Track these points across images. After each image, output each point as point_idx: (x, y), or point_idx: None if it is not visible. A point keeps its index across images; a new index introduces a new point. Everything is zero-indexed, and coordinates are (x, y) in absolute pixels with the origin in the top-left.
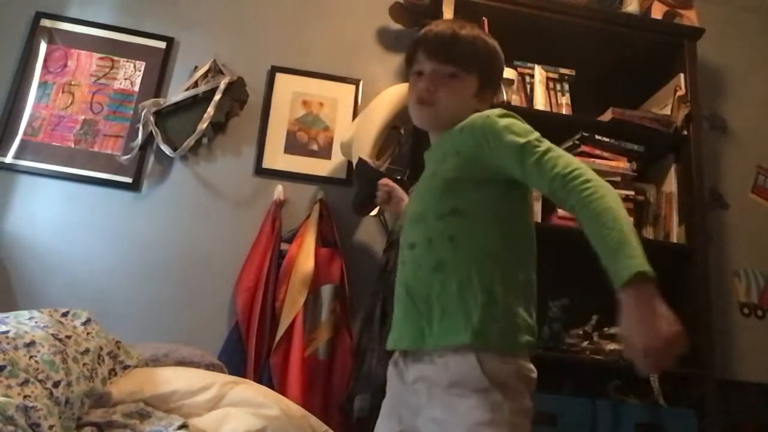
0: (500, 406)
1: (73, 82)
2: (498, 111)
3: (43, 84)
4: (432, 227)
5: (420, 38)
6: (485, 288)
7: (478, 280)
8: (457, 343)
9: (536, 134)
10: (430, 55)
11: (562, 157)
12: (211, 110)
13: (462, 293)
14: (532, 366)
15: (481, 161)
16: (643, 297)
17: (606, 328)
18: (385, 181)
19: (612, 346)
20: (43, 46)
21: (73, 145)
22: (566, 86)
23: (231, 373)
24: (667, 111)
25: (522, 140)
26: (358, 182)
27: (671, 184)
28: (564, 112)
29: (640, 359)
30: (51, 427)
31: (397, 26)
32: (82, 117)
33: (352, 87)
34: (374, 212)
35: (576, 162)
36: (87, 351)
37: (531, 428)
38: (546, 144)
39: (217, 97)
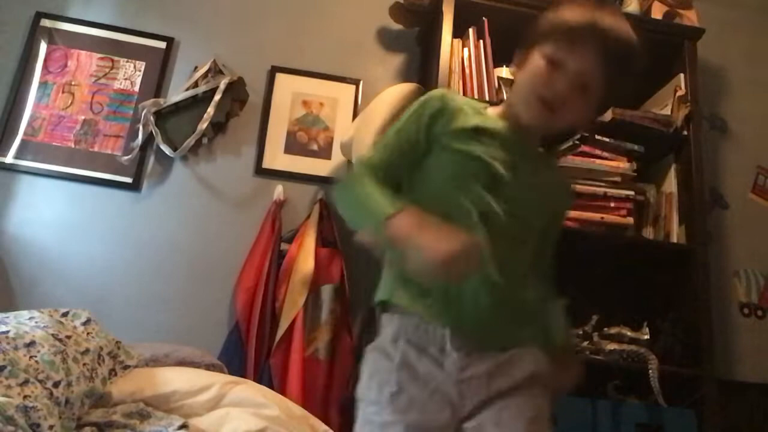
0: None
1: (73, 82)
2: None
3: (43, 84)
4: (533, 241)
5: (591, 32)
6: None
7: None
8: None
9: None
10: (595, 56)
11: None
12: (211, 110)
13: (534, 307)
14: None
15: (555, 208)
16: (408, 222)
17: (606, 328)
18: None
19: (612, 346)
20: (43, 46)
21: (73, 145)
22: None
23: (231, 373)
24: (667, 111)
25: None
26: None
27: (671, 184)
28: None
29: (430, 270)
30: (51, 427)
31: (397, 26)
32: (82, 117)
33: (352, 87)
34: None
35: None
36: (87, 351)
37: None
38: None
39: (217, 97)
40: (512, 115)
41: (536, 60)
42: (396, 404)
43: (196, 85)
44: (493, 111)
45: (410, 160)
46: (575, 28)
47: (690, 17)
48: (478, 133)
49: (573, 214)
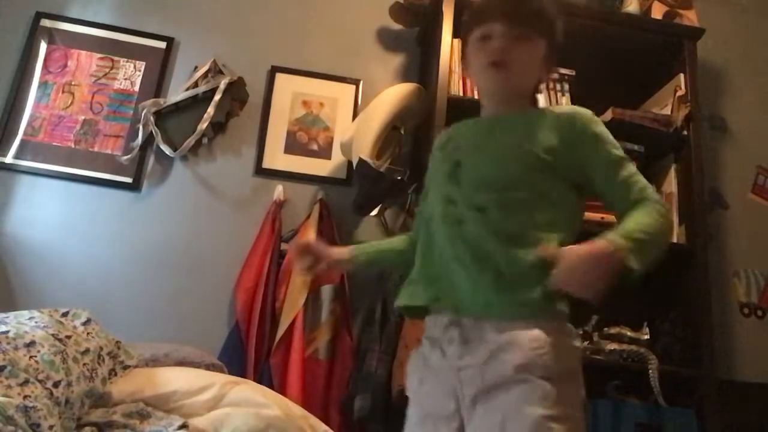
0: (573, 398)
1: (73, 82)
2: (592, 113)
3: (43, 84)
4: (521, 203)
5: (486, 1)
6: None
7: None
8: (526, 315)
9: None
10: (500, 15)
11: (648, 185)
12: (211, 110)
13: (532, 268)
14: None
15: (573, 154)
16: (609, 258)
17: (606, 328)
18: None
19: (612, 346)
20: (43, 46)
21: (73, 145)
22: (566, 86)
23: (231, 373)
24: (667, 111)
25: (620, 153)
26: (358, 182)
27: (671, 184)
28: None
29: (562, 276)
30: (51, 427)
31: (397, 26)
32: (82, 117)
33: (352, 87)
34: (374, 212)
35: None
36: (87, 351)
37: None
38: (633, 166)
39: (217, 97)
40: (484, 103)
41: (472, 48)
42: (417, 396)
43: (196, 85)
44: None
45: None
46: (478, 7)
47: (690, 17)
48: (450, 141)
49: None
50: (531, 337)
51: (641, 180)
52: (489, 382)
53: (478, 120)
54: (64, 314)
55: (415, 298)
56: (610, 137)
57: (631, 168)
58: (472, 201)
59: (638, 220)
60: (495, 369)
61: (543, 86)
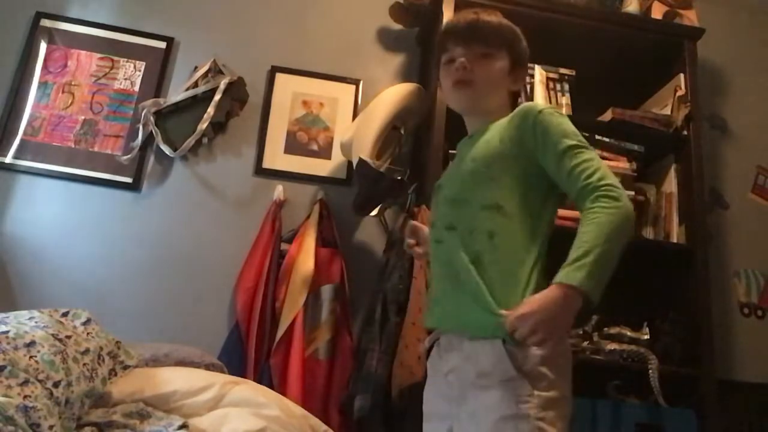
0: (527, 399)
1: (73, 82)
2: (549, 107)
3: (43, 84)
4: (474, 216)
5: (446, 28)
6: (514, 283)
7: (509, 277)
8: (488, 334)
9: (581, 138)
10: (459, 39)
11: (600, 170)
12: (211, 110)
13: (492, 288)
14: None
15: (525, 153)
16: (563, 303)
17: (606, 328)
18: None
19: (612, 346)
20: (43, 46)
21: (73, 145)
22: (566, 86)
23: (231, 373)
24: (667, 111)
25: (568, 142)
26: (358, 182)
27: (671, 184)
28: (564, 113)
29: (519, 330)
30: (51, 427)
31: (397, 26)
32: (82, 117)
33: (352, 87)
34: (374, 212)
35: (609, 176)
36: (87, 351)
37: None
38: (588, 152)
39: (217, 97)
40: (468, 125)
41: (441, 73)
42: (425, 398)
43: (196, 85)
44: None
45: None
46: (441, 35)
47: (690, 17)
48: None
49: (572, 213)
50: (494, 346)
51: (589, 167)
52: (463, 387)
53: (464, 140)
54: (64, 314)
55: (427, 320)
56: (562, 128)
57: (581, 156)
58: (444, 220)
59: (583, 239)
60: (465, 376)
61: (522, 95)
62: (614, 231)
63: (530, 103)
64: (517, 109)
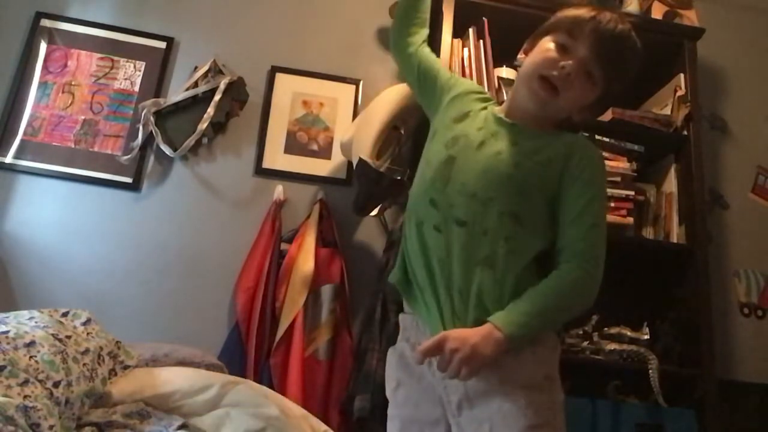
0: (552, 403)
1: (73, 82)
2: (597, 153)
3: (43, 84)
4: (492, 218)
5: (595, 24)
6: (513, 294)
7: (517, 284)
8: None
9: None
10: (596, 45)
11: (601, 244)
12: (211, 110)
13: (501, 295)
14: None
15: (560, 178)
16: (493, 344)
17: (606, 328)
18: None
19: (612, 346)
20: (43, 46)
21: (73, 145)
22: None
23: (231, 373)
24: (667, 111)
25: (602, 203)
26: (358, 182)
27: (671, 184)
28: None
29: (446, 361)
30: (51, 427)
31: None
32: (82, 117)
33: (352, 87)
34: (374, 212)
35: (602, 250)
36: (87, 351)
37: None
38: (604, 219)
39: (217, 97)
40: (509, 101)
41: (545, 44)
42: (395, 399)
43: (196, 85)
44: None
45: None
46: (581, 20)
47: (690, 17)
48: (469, 109)
49: None
50: (518, 352)
51: (597, 236)
52: (470, 391)
53: (494, 111)
54: (64, 314)
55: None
56: (604, 181)
57: (600, 223)
58: (453, 213)
59: (541, 291)
60: (474, 380)
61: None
62: (575, 295)
63: (588, 141)
64: (578, 140)
